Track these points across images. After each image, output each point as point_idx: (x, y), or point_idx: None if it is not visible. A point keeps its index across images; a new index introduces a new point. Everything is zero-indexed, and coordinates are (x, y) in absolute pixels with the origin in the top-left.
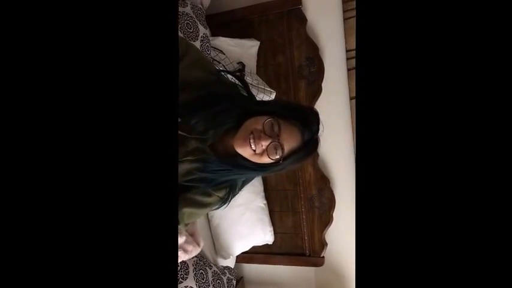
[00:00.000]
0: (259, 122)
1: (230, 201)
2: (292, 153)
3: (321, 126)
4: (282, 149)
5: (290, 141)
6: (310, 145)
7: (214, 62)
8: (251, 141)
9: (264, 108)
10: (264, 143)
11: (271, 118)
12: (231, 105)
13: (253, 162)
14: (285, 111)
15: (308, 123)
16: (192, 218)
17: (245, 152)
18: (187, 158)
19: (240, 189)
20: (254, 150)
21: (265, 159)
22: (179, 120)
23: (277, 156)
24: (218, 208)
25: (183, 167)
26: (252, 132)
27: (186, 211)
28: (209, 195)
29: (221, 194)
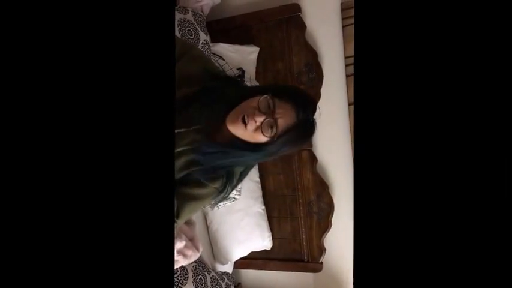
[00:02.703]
0: (254, 101)
1: (228, 191)
2: (287, 131)
3: (317, 108)
4: (277, 126)
5: (285, 118)
6: (305, 125)
7: None
8: (245, 118)
9: (257, 89)
10: (258, 119)
11: (266, 95)
12: (226, 93)
13: (248, 142)
14: (280, 90)
15: (303, 103)
16: (189, 212)
17: (238, 129)
18: (183, 148)
19: (238, 181)
20: (246, 127)
21: (259, 137)
22: (177, 114)
23: (272, 134)
24: (216, 199)
25: (180, 161)
26: (246, 111)
27: (182, 205)
28: (205, 186)
29: (217, 185)
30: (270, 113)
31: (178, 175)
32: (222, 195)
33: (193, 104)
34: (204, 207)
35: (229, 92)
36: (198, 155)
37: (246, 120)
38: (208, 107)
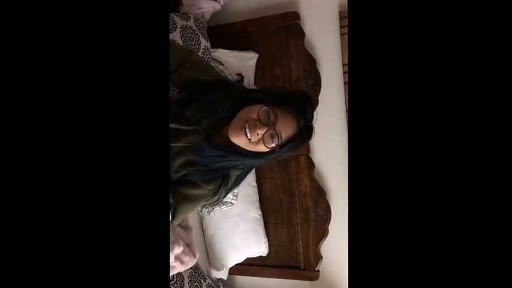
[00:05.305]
0: (254, 111)
1: (222, 194)
2: (288, 141)
3: (315, 114)
4: (279, 137)
5: (286, 129)
6: (305, 132)
7: None
8: (246, 130)
9: (258, 96)
10: (260, 132)
11: (267, 106)
12: (224, 94)
13: (248, 150)
14: (279, 99)
15: (303, 110)
16: (184, 213)
17: (240, 141)
18: (181, 144)
19: (234, 186)
20: (249, 139)
21: (261, 148)
22: (178, 113)
23: (273, 145)
24: (209, 201)
25: (178, 161)
26: (247, 121)
27: (177, 205)
28: (199, 188)
29: (212, 187)
30: (271, 124)
31: (176, 175)
32: (216, 197)
33: (189, 102)
34: (200, 209)
35: (230, 96)
36: (197, 156)
37: (248, 133)
38: (205, 106)
